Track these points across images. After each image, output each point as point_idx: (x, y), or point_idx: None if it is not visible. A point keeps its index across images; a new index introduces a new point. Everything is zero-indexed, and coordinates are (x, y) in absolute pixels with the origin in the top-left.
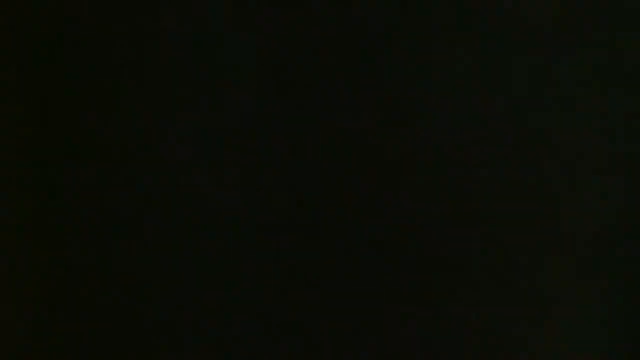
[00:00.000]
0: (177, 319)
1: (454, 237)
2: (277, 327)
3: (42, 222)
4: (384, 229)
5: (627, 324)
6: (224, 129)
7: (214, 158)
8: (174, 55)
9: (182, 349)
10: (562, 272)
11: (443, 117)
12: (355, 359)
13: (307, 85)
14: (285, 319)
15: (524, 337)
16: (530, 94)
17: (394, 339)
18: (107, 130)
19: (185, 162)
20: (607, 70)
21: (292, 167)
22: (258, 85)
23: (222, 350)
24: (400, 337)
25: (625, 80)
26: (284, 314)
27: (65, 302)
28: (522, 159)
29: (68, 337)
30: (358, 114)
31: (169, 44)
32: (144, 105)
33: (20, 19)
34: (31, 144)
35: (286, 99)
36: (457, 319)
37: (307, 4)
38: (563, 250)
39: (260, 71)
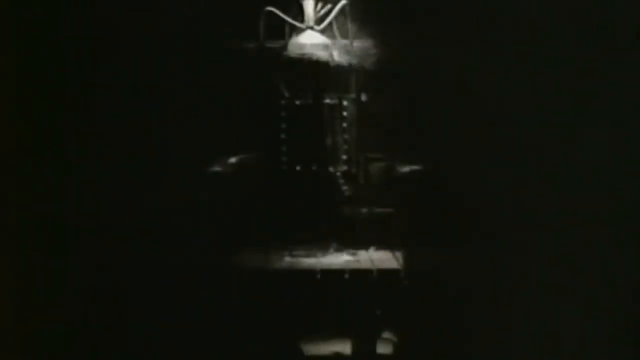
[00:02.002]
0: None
1: (455, 236)
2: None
3: (42, 225)
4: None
5: (627, 324)
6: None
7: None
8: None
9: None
10: (563, 272)
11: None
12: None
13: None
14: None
15: (524, 336)
16: (533, 95)
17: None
18: (108, 131)
19: (185, 165)
20: (607, 70)
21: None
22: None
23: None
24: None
25: (626, 80)
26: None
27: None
28: (523, 160)
29: (69, 337)
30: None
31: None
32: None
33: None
34: (28, 146)
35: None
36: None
37: None
38: (565, 251)
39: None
